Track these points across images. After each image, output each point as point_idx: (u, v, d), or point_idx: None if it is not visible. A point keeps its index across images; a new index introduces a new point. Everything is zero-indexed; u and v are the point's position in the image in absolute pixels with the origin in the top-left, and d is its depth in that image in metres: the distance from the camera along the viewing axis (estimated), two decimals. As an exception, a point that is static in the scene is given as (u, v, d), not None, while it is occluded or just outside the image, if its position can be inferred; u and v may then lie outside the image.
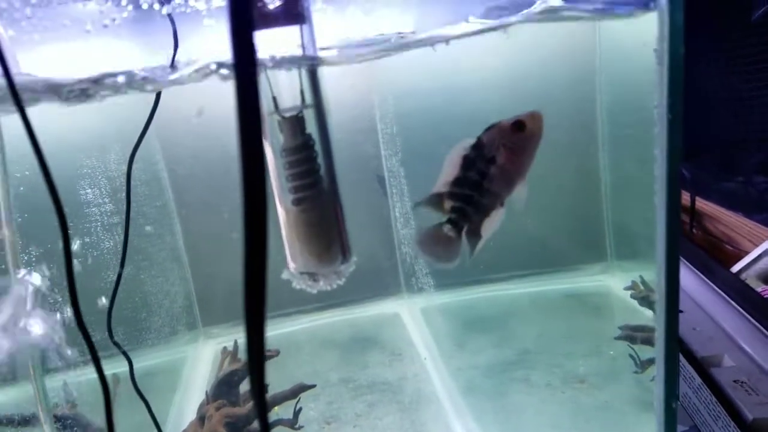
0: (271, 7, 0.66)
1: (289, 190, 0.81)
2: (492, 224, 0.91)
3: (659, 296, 0.95)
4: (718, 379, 1.13)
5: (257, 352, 0.45)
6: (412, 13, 1.88)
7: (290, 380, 1.54)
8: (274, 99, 0.77)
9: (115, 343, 1.03)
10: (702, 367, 1.18)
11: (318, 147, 0.81)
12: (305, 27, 0.72)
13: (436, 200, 0.90)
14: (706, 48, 2.33)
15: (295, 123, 0.79)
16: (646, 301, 1.39)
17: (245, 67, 0.39)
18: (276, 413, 1.41)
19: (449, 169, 0.89)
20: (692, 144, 2.31)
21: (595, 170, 1.90)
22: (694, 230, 1.98)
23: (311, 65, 0.75)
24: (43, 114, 0.79)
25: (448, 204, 0.89)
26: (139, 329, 1.70)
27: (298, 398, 1.38)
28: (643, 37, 0.73)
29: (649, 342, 1.35)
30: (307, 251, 0.80)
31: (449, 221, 0.92)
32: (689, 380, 1.22)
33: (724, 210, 1.92)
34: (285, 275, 0.82)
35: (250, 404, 1.38)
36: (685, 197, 2.03)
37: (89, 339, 0.60)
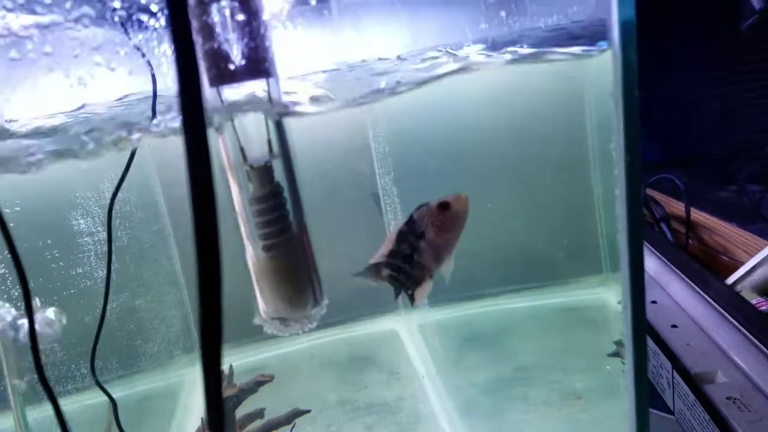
0: (237, 63, 0.67)
1: (258, 237, 0.82)
2: (423, 293, 1.00)
3: (624, 309, 0.94)
4: (711, 396, 1.13)
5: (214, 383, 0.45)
6: (403, 33, 1.91)
7: (287, 402, 1.54)
8: (242, 150, 0.79)
9: (99, 384, 1.04)
10: (695, 384, 1.18)
11: (287, 194, 0.83)
12: (271, 80, 0.74)
13: (373, 270, 0.98)
14: (698, 58, 2.35)
15: (263, 172, 0.81)
16: (639, 316, 1.39)
17: (192, 117, 0.40)
18: (272, 438, 1.41)
19: (387, 242, 0.97)
20: (686, 154, 2.31)
21: (587, 184, 1.91)
22: (690, 241, 1.98)
23: (278, 116, 0.77)
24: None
25: (384, 273, 0.97)
26: (136, 354, 1.70)
27: (293, 424, 1.38)
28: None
29: (643, 358, 1.35)
30: (278, 296, 0.81)
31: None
32: (683, 397, 1.21)
33: (719, 220, 1.92)
34: (257, 321, 0.84)
35: (246, 429, 1.39)
36: (680, 207, 2.03)
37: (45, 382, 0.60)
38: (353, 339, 2.02)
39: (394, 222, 1.99)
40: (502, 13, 1.20)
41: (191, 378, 1.92)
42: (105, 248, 1.45)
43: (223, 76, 0.67)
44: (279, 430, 1.40)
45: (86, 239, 1.46)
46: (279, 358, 1.96)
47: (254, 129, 0.78)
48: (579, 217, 1.97)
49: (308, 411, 1.39)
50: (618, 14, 0.54)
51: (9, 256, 0.59)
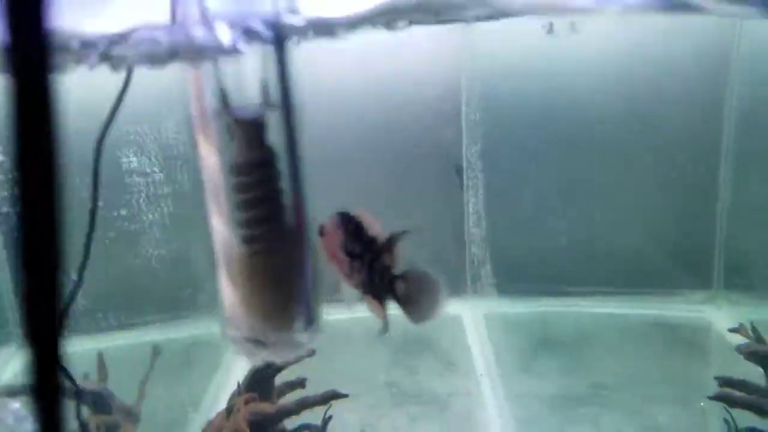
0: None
1: (237, 223, 0.59)
2: None
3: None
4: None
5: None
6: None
7: (334, 376, 1.43)
8: (224, 93, 0.55)
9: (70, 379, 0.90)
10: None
11: (283, 165, 0.58)
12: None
13: None
14: None
15: (252, 130, 0.56)
16: (755, 357, 1.12)
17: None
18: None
19: None
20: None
21: (712, 185, 1.61)
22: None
23: (280, 40, 0.55)
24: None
25: None
26: (188, 300, 1.66)
27: (329, 405, 1.28)
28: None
29: (754, 408, 1.10)
30: (254, 309, 0.60)
31: None
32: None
33: None
34: (225, 335, 0.64)
35: (279, 402, 1.30)
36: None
37: None
38: (413, 317, 1.88)
39: (473, 200, 1.79)
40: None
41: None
42: (159, 191, 1.39)
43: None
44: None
45: (138, 179, 1.39)
46: (333, 324, 1.85)
47: (246, 65, 0.55)
48: (695, 221, 1.68)
49: (346, 395, 1.27)
50: None
51: None
